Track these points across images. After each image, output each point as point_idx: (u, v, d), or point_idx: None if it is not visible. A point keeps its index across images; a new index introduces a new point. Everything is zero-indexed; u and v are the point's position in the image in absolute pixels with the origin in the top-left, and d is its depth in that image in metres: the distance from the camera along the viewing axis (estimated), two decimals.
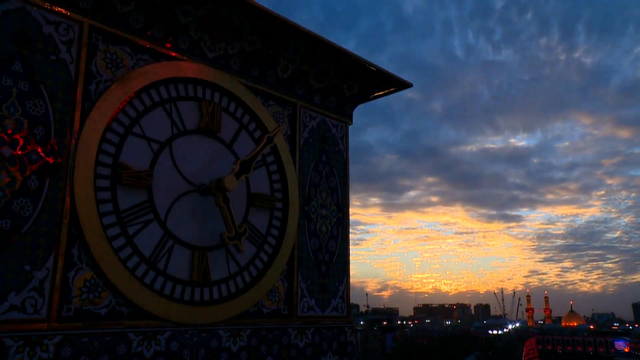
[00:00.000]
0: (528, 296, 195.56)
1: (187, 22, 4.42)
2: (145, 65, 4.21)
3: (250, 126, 4.97)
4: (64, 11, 3.75)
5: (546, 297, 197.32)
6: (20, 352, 3.22)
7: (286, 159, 5.15)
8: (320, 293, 5.28)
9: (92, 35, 3.92)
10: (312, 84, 5.52)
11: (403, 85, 5.92)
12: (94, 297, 3.68)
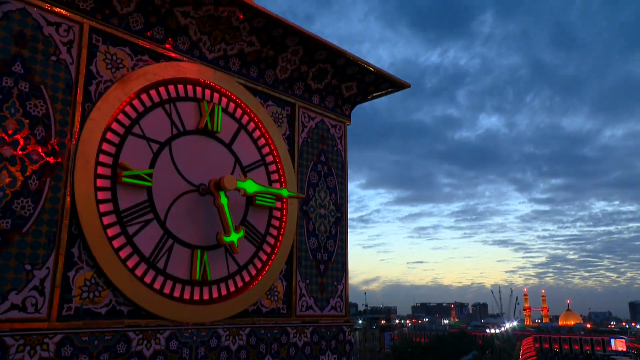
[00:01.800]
0: (525, 295, 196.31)
1: (186, 23, 4.44)
2: (145, 66, 4.23)
3: (249, 126, 5.00)
4: (64, 12, 3.77)
5: (544, 296, 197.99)
6: (21, 351, 3.25)
7: (285, 158, 5.17)
8: (319, 292, 5.31)
9: (92, 36, 3.94)
10: (311, 84, 5.54)
11: (401, 85, 5.95)
12: (94, 296, 3.70)
